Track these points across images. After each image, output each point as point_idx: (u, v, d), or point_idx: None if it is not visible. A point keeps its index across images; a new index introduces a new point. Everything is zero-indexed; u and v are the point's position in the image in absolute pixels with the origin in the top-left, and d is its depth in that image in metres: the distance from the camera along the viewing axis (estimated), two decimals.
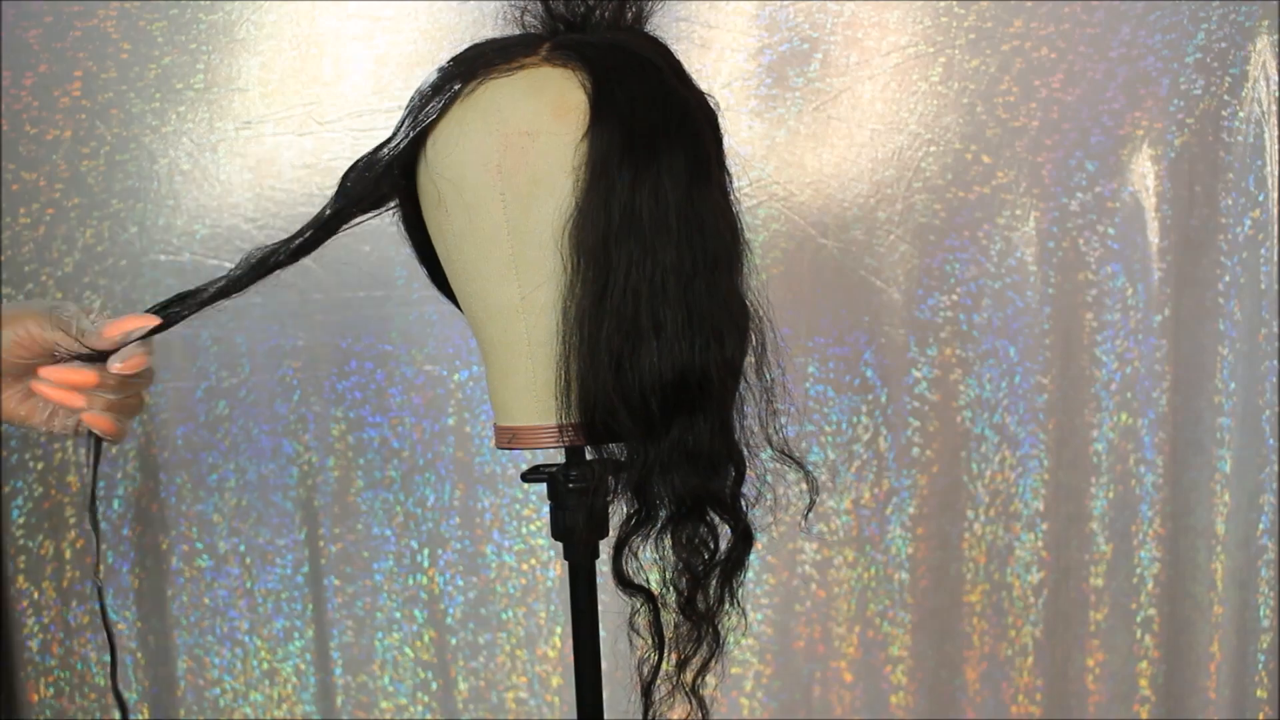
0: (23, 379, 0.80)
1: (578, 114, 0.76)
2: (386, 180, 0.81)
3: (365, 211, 0.83)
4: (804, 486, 0.87)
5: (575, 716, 0.92)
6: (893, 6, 1.36)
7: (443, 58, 0.83)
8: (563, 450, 0.86)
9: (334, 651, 1.41)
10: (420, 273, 0.92)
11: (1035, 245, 1.40)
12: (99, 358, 0.79)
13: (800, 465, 0.85)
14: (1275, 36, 1.37)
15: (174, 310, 0.81)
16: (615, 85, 0.77)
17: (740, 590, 0.86)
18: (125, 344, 0.79)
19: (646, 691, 0.84)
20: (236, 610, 1.40)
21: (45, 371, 0.80)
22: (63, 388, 0.80)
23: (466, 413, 1.40)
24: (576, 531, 0.87)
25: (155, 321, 0.80)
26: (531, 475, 0.89)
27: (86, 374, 0.80)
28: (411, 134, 0.81)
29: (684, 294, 0.76)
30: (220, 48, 1.32)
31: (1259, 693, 1.45)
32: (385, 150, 0.81)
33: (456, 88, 0.80)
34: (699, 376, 0.76)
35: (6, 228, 1.32)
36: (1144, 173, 1.40)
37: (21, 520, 1.36)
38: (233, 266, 0.81)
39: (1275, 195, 1.39)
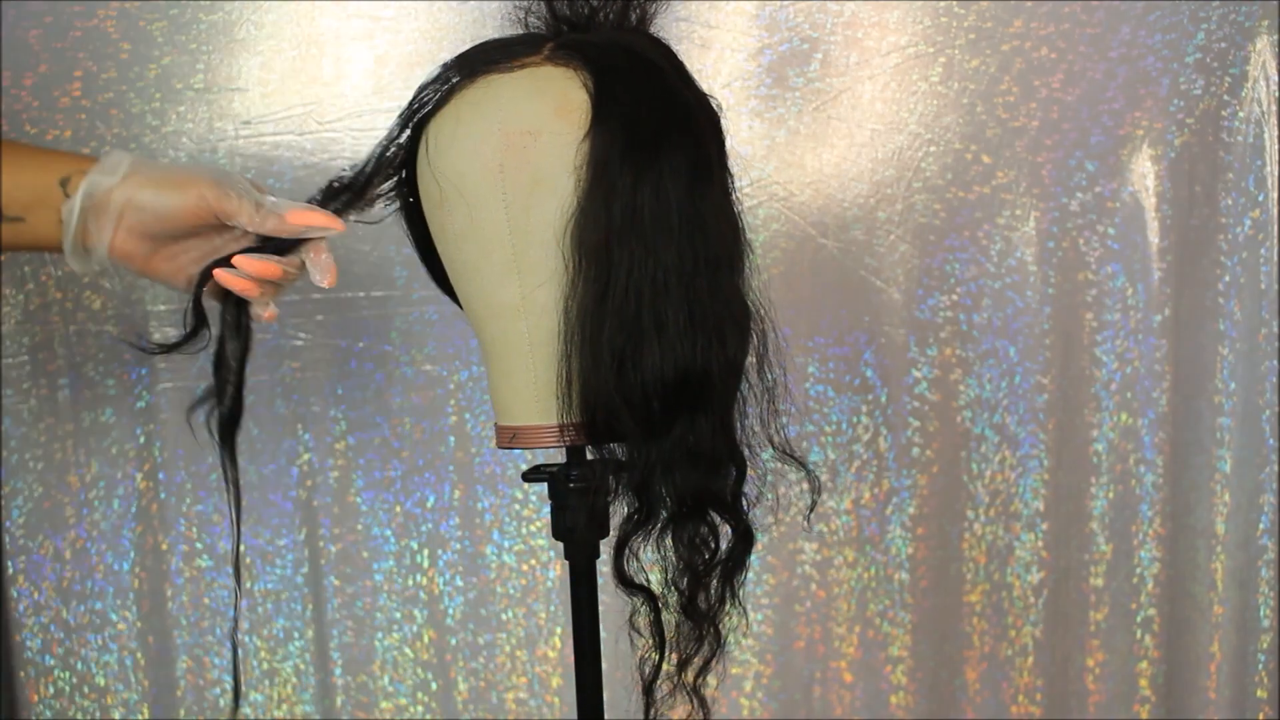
0: (181, 241, 0.78)
1: (580, 113, 0.76)
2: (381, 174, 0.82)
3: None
4: (805, 486, 0.87)
5: (575, 716, 0.92)
6: (893, 6, 1.36)
7: (443, 58, 0.83)
8: (563, 450, 0.86)
9: (334, 651, 1.41)
10: (420, 273, 0.92)
11: (1035, 245, 1.40)
12: (270, 245, 0.78)
13: (802, 465, 0.85)
14: (1275, 36, 1.37)
15: (338, 206, 0.80)
16: (617, 85, 0.77)
17: (741, 590, 0.86)
18: (303, 236, 0.79)
19: (647, 691, 0.84)
20: (237, 611, 1.40)
21: (240, 261, 0.78)
22: (247, 278, 0.79)
23: (466, 413, 1.40)
24: (577, 531, 0.87)
25: (341, 227, 0.80)
26: (532, 475, 0.89)
27: (274, 268, 0.79)
28: (410, 121, 0.81)
29: (686, 294, 0.76)
30: (220, 48, 1.32)
31: (1259, 693, 1.45)
32: (386, 143, 0.82)
33: (455, 79, 0.80)
34: (700, 376, 0.77)
35: None
36: (1144, 173, 1.40)
37: (21, 520, 1.36)
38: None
39: (1275, 195, 1.39)
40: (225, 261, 0.79)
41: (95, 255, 0.76)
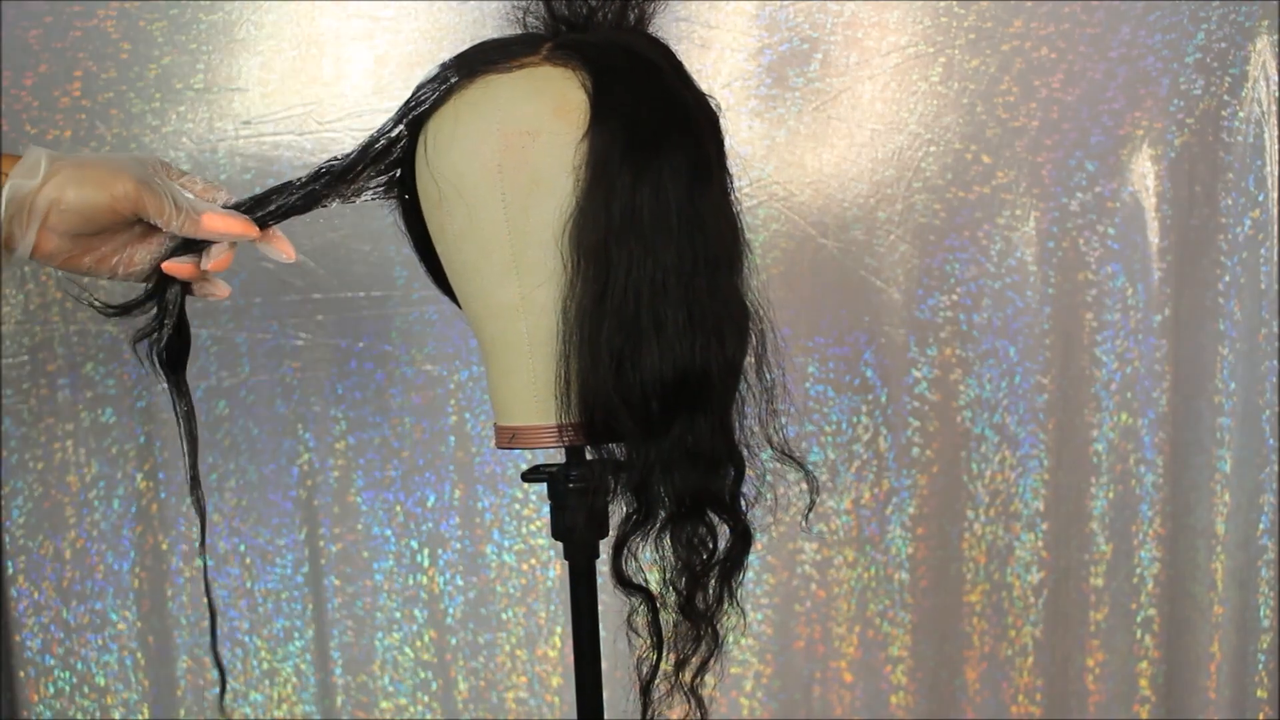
0: (102, 235, 0.78)
1: (578, 113, 0.76)
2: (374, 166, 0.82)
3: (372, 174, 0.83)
4: (804, 486, 0.87)
5: (575, 716, 0.92)
6: (893, 6, 1.36)
7: (443, 58, 0.83)
8: (563, 450, 0.86)
9: (334, 651, 1.41)
10: (420, 273, 0.92)
11: (1035, 245, 1.40)
12: (186, 245, 0.79)
13: (801, 465, 0.85)
14: (1275, 36, 1.37)
15: (261, 217, 0.81)
16: (616, 85, 0.77)
17: (740, 590, 0.86)
18: (217, 241, 0.80)
19: (645, 691, 0.84)
20: (236, 610, 1.40)
21: (168, 267, 0.80)
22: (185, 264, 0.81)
23: (466, 413, 1.40)
24: (576, 531, 0.87)
25: (256, 233, 0.80)
26: (532, 475, 0.89)
27: (188, 268, 0.81)
28: (405, 118, 0.81)
29: (684, 293, 0.76)
30: (220, 48, 1.32)
31: (1259, 693, 1.45)
32: (380, 137, 0.82)
33: (454, 79, 0.80)
34: (699, 376, 0.77)
35: None
36: (1144, 173, 1.40)
37: (21, 520, 1.36)
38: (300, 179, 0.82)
39: (1275, 195, 1.39)
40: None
41: (17, 256, 0.77)
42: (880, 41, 1.37)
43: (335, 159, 0.83)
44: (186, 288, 0.83)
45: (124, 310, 0.83)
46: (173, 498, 1.38)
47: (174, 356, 0.84)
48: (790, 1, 1.36)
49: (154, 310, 0.83)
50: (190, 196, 0.79)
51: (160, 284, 0.82)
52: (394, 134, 0.83)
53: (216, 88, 1.32)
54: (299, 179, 0.82)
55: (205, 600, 0.88)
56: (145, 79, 1.31)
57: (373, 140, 0.83)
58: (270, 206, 0.82)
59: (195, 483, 0.86)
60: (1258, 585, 1.43)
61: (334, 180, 0.82)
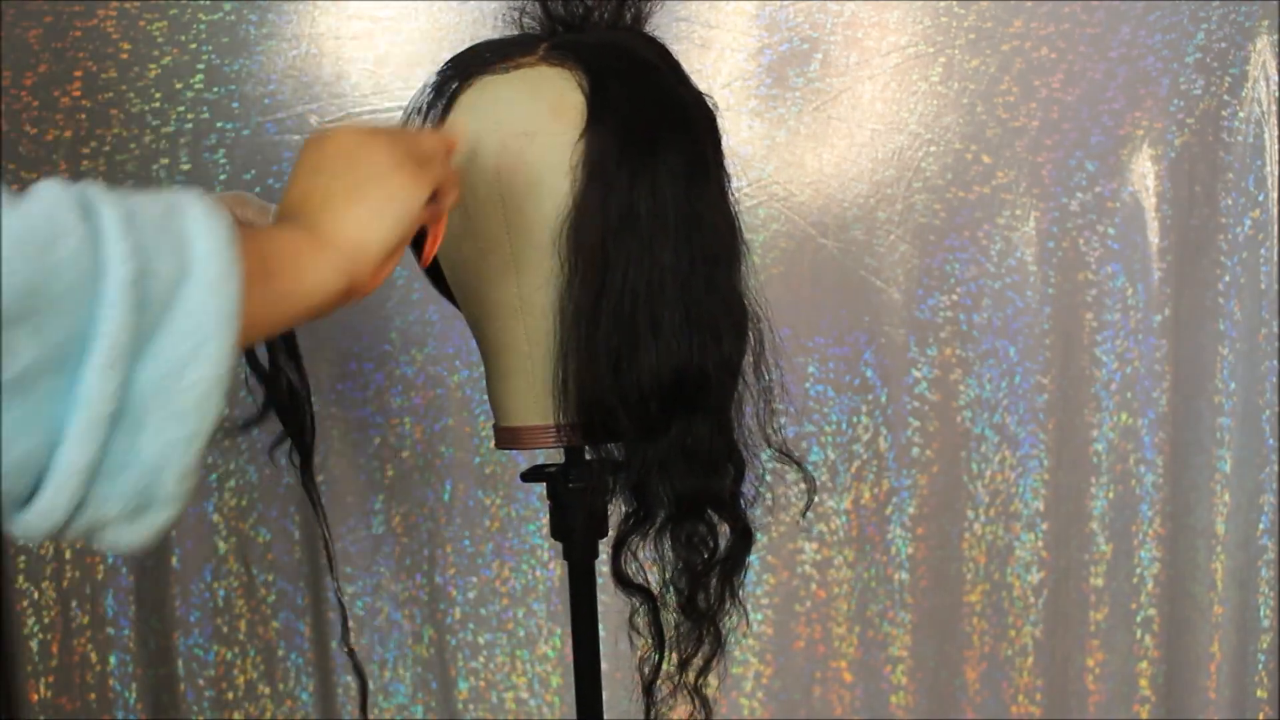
0: None
1: (575, 114, 0.76)
2: None
3: None
4: (803, 486, 0.87)
5: (575, 716, 0.92)
6: (893, 6, 1.36)
7: (443, 58, 0.83)
8: (562, 450, 0.86)
9: (335, 652, 1.41)
10: (420, 272, 0.92)
11: (1035, 245, 1.40)
12: None
13: (798, 465, 0.85)
14: (1275, 36, 1.37)
15: None
16: (613, 85, 0.77)
17: (741, 589, 0.86)
18: None
19: (647, 691, 0.84)
20: (237, 610, 1.40)
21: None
22: None
23: (466, 413, 1.40)
24: (576, 531, 0.87)
25: None
26: (531, 475, 0.89)
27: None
28: (404, 122, 0.81)
29: (682, 293, 0.76)
30: (220, 48, 1.32)
31: (1259, 693, 1.44)
32: None
33: (454, 87, 0.80)
34: (697, 376, 0.77)
35: None
36: (1144, 173, 1.40)
37: None
38: None
39: (1275, 195, 1.39)
40: None
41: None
42: (880, 41, 1.37)
43: None
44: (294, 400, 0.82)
45: (246, 428, 0.84)
46: None
47: (306, 456, 0.85)
48: (790, 1, 1.36)
49: (274, 415, 0.83)
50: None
51: (270, 395, 0.82)
52: None
53: (216, 88, 1.32)
54: None
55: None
56: (145, 79, 1.31)
57: None
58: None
59: (335, 574, 0.86)
60: (1258, 585, 1.43)
61: None
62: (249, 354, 0.83)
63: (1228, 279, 1.41)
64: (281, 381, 0.83)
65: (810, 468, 1.32)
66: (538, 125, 0.77)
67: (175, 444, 0.49)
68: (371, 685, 1.42)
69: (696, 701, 0.86)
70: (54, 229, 0.46)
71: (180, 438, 0.49)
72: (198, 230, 0.50)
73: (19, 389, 0.45)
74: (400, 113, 0.83)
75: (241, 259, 0.51)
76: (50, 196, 0.47)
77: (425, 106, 0.81)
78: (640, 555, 0.82)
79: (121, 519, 0.49)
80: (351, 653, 0.86)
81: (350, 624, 0.85)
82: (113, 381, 0.47)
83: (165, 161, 1.33)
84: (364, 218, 0.60)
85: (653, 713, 0.84)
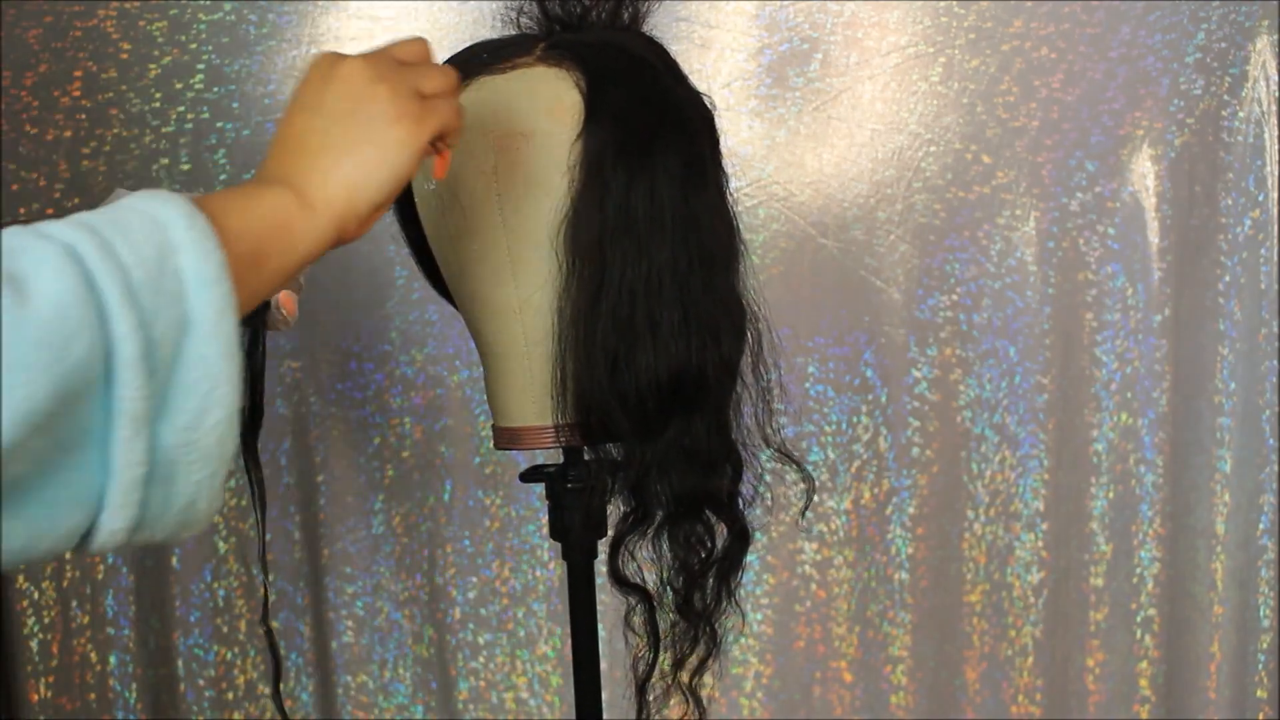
0: None
1: (572, 114, 0.76)
2: None
3: None
4: (804, 486, 0.87)
5: (575, 717, 0.92)
6: (893, 6, 1.36)
7: (442, 58, 0.83)
8: (561, 450, 0.86)
9: (334, 652, 1.41)
10: (420, 272, 0.92)
11: (1035, 245, 1.40)
12: None
13: (798, 465, 0.85)
14: (1275, 36, 1.37)
15: None
16: (610, 85, 0.77)
17: (738, 590, 0.86)
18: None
19: (641, 690, 0.84)
20: (237, 610, 1.40)
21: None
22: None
23: (466, 413, 1.40)
24: (574, 531, 0.87)
25: None
26: (530, 475, 0.89)
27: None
28: None
29: (679, 293, 0.76)
30: (220, 48, 1.32)
31: (1259, 693, 1.44)
32: None
33: None
34: (695, 376, 0.77)
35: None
36: (1144, 173, 1.39)
37: None
38: None
39: (1275, 195, 1.39)
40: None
41: None
42: (880, 41, 1.37)
43: None
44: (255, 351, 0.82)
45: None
46: None
47: (248, 429, 0.84)
48: (790, 1, 1.36)
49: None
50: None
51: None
52: None
53: (216, 88, 1.32)
54: None
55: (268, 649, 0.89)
56: (145, 79, 1.31)
57: None
58: None
59: (263, 553, 0.86)
60: (1258, 585, 1.43)
61: None
62: None
63: (1228, 279, 1.41)
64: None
65: (810, 468, 1.32)
66: (535, 125, 0.77)
67: (204, 481, 0.52)
68: (371, 685, 1.42)
69: (690, 701, 0.86)
70: (66, 327, 0.46)
71: (207, 475, 0.52)
72: (191, 267, 0.51)
73: (53, 481, 0.47)
74: None
75: (234, 287, 0.51)
76: (50, 275, 0.46)
77: None
78: (639, 555, 0.82)
79: (162, 539, 0.53)
80: (269, 631, 0.86)
81: (270, 603, 0.86)
82: (138, 449, 0.49)
83: (165, 161, 1.33)
84: (355, 177, 0.61)
85: (646, 712, 0.84)
